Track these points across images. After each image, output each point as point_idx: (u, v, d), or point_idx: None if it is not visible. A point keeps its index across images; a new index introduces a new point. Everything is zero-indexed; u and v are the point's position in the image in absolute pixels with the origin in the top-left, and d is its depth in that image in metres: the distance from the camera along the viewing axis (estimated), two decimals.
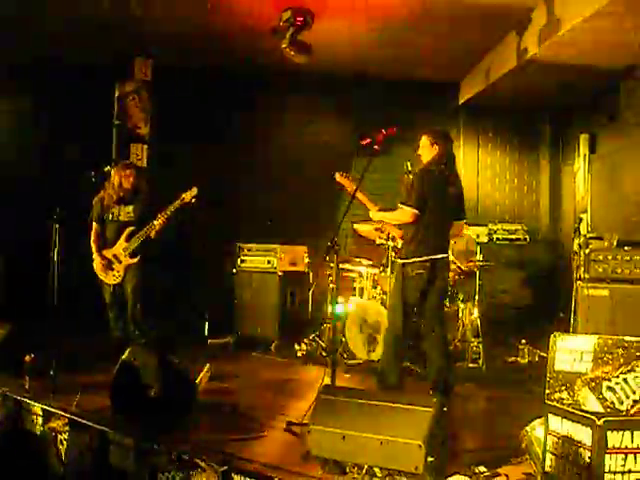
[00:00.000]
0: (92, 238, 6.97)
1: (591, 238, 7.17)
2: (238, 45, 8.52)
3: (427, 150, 5.83)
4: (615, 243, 6.82)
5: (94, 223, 6.99)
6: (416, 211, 5.58)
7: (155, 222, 6.69)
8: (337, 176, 6.33)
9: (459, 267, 7.46)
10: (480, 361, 7.37)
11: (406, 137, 8.96)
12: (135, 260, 6.80)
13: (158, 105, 9.21)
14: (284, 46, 7.66)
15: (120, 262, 6.81)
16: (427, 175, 5.78)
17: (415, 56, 8.85)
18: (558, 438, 3.52)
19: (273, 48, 7.88)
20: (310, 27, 7.57)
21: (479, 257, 7.93)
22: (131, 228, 6.81)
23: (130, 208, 6.91)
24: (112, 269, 6.84)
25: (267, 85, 9.54)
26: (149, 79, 9.16)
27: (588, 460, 3.31)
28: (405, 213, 5.64)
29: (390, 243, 7.57)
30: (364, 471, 3.88)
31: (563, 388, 3.54)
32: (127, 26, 8.00)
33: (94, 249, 6.91)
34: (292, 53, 7.72)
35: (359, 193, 6.00)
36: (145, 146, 9.07)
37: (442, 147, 5.82)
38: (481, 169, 10.58)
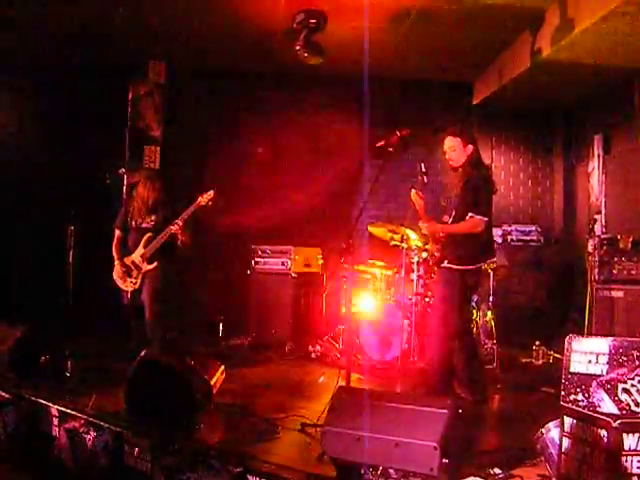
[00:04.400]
0: (114, 244, 6.98)
1: (605, 239, 7.15)
2: (251, 47, 8.55)
3: (460, 152, 5.74)
4: (630, 244, 6.79)
5: (117, 230, 7.01)
6: (486, 219, 5.57)
7: (172, 227, 6.70)
8: (412, 193, 6.09)
9: None
10: (494, 362, 7.36)
11: (420, 138, 9.02)
12: (152, 266, 6.81)
13: (171, 107, 9.24)
14: (297, 48, 7.67)
15: (138, 269, 6.82)
16: (488, 180, 5.77)
17: (428, 56, 8.84)
18: (573, 440, 3.51)
19: (286, 49, 7.90)
20: (323, 29, 7.58)
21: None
22: (149, 234, 6.82)
23: (153, 216, 6.92)
24: (130, 276, 6.85)
25: (280, 87, 9.56)
26: (162, 81, 9.19)
27: (604, 462, 3.30)
28: (478, 223, 5.55)
29: (404, 245, 7.57)
30: (379, 472, 3.89)
31: (578, 390, 3.53)
32: (141, 28, 8.04)
33: (115, 256, 6.92)
34: (305, 55, 7.73)
35: (422, 209, 5.98)
36: (158, 148, 9.10)
37: (475, 145, 5.78)
38: (495, 170, 10.55)
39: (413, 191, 6.07)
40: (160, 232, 6.77)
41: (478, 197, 5.62)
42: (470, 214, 5.53)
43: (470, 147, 5.75)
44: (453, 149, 5.77)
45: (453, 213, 5.84)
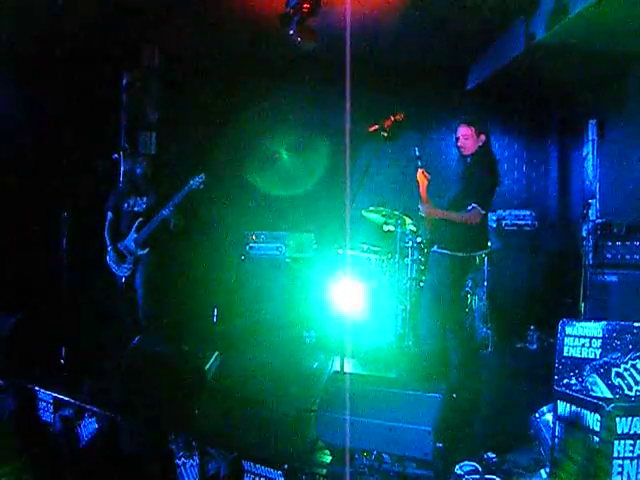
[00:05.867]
0: (106, 228, 6.94)
1: (600, 224, 7.15)
2: (244, 32, 8.50)
3: (472, 141, 5.69)
4: (624, 229, 6.80)
5: (109, 213, 6.97)
6: (484, 212, 5.58)
7: (164, 211, 6.68)
8: (419, 172, 6.07)
9: None
10: (489, 347, 7.38)
11: (414, 123, 8.99)
12: (145, 251, 6.79)
13: (166, 92, 9.20)
14: (291, 33, 7.63)
15: (131, 254, 6.80)
16: (495, 172, 5.78)
17: (423, 41, 8.81)
18: (567, 424, 3.52)
19: (279, 35, 7.85)
20: (317, 13, 7.53)
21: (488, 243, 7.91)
22: (141, 219, 6.79)
23: (145, 199, 6.89)
24: (124, 261, 6.82)
25: (274, 72, 9.51)
26: (157, 66, 9.14)
27: (597, 446, 3.31)
28: (477, 215, 5.54)
29: (399, 229, 7.57)
30: (373, 457, 3.90)
31: (572, 374, 3.54)
32: (134, 14, 7.98)
33: (108, 241, 6.89)
34: (299, 40, 7.69)
35: (424, 189, 5.98)
36: (154, 133, 9.06)
37: (488, 135, 5.76)
38: None
39: (420, 170, 6.06)
40: (152, 216, 6.75)
41: (483, 189, 5.61)
42: (473, 204, 5.51)
43: (483, 137, 5.72)
44: (466, 137, 5.73)
45: (452, 198, 5.81)
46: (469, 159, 5.78)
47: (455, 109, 9.92)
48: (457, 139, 5.80)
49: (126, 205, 6.92)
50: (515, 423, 4.54)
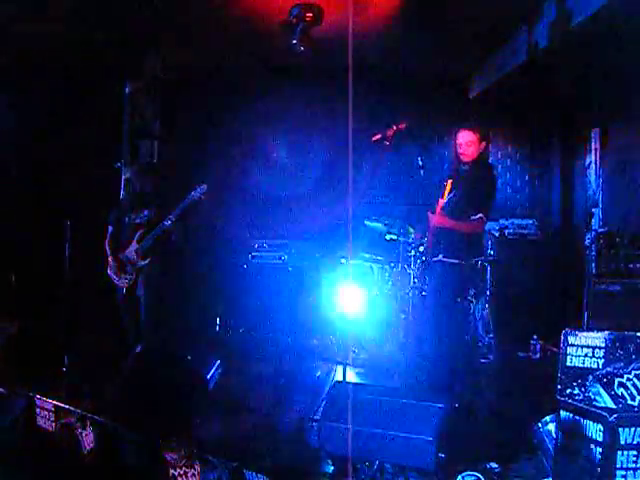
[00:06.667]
0: (107, 240, 6.92)
1: (602, 233, 7.14)
2: (246, 41, 8.52)
3: (475, 147, 5.71)
4: (627, 238, 6.79)
5: (109, 226, 6.95)
6: (487, 220, 5.64)
7: (165, 222, 6.66)
8: (448, 182, 6.02)
9: None
10: (492, 356, 7.36)
11: (416, 132, 9.00)
12: (146, 261, 6.78)
13: (169, 101, 9.21)
14: (293, 42, 7.64)
15: (133, 264, 6.78)
16: (495, 180, 5.81)
17: (425, 50, 8.82)
18: (570, 434, 3.51)
19: (280, 44, 7.87)
20: (319, 23, 7.56)
21: (490, 252, 7.90)
22: (142, 230, 6.77)
23: (146, 212, 6.87)
24: (125, 272, 6.80)
25: (275, 81, 9.53)
26: (159, 75, 9.15)
27: (600, 456, 3.30)
28: (482, 224, 5.63)
29: (401, 238, 7.56)
30: (375, 467, 3.89)
31: (575, 384, 3.53)
32: (137, 23, 8.00)
33: (109, 252, 6.87)
34: (301, 49, 7.71)
35: (443, 200, 5.99)
36: (155, 142, 9.06)
37: (488, 142, 5.80)
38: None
39: (450, 181, 6.06)
40: (154, 227, 6.73)
41: (487, 198, 5.66)
42: (480, 215, 5.55)
43: (484, 144, 5.75)
44: (469, 144, 5.73)
45: (451, 205, 5.81)
46: (467, 166, 5.78)
47: (458, 117, 9.94)
48: (459, 145, 5.79)
49: (127, 218, 6.91)
50: (518, 433, 4.52)
